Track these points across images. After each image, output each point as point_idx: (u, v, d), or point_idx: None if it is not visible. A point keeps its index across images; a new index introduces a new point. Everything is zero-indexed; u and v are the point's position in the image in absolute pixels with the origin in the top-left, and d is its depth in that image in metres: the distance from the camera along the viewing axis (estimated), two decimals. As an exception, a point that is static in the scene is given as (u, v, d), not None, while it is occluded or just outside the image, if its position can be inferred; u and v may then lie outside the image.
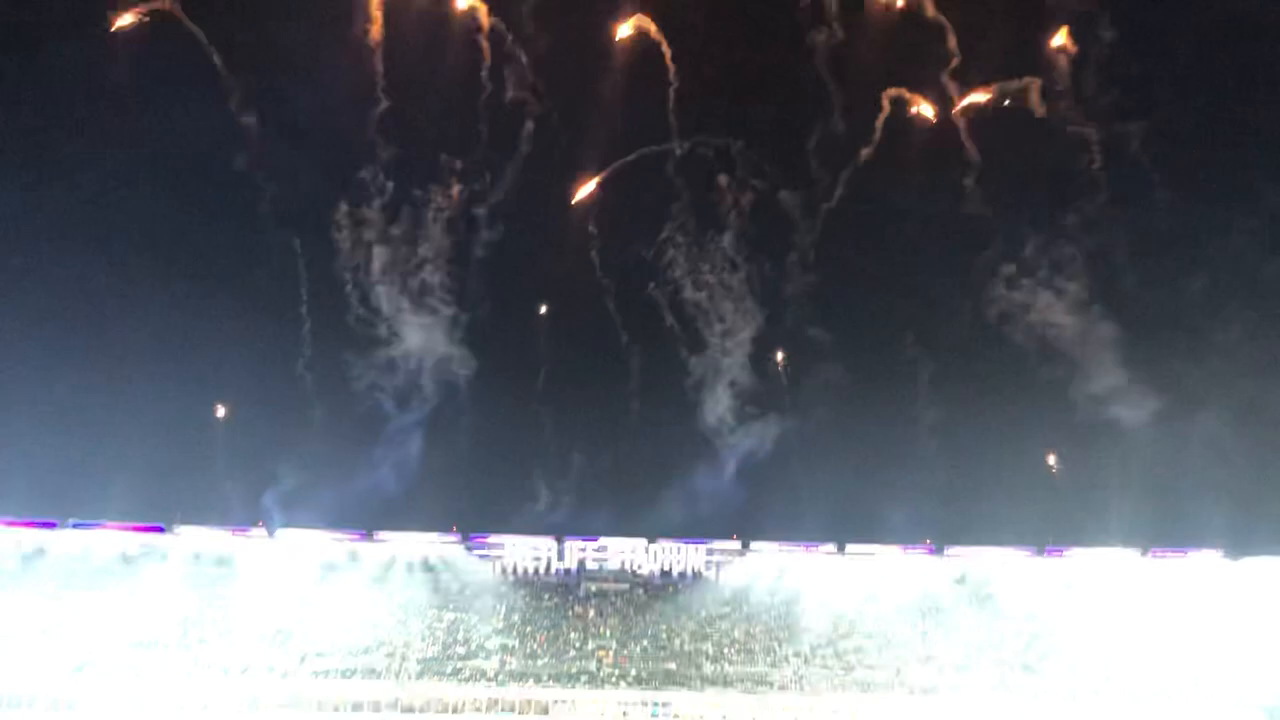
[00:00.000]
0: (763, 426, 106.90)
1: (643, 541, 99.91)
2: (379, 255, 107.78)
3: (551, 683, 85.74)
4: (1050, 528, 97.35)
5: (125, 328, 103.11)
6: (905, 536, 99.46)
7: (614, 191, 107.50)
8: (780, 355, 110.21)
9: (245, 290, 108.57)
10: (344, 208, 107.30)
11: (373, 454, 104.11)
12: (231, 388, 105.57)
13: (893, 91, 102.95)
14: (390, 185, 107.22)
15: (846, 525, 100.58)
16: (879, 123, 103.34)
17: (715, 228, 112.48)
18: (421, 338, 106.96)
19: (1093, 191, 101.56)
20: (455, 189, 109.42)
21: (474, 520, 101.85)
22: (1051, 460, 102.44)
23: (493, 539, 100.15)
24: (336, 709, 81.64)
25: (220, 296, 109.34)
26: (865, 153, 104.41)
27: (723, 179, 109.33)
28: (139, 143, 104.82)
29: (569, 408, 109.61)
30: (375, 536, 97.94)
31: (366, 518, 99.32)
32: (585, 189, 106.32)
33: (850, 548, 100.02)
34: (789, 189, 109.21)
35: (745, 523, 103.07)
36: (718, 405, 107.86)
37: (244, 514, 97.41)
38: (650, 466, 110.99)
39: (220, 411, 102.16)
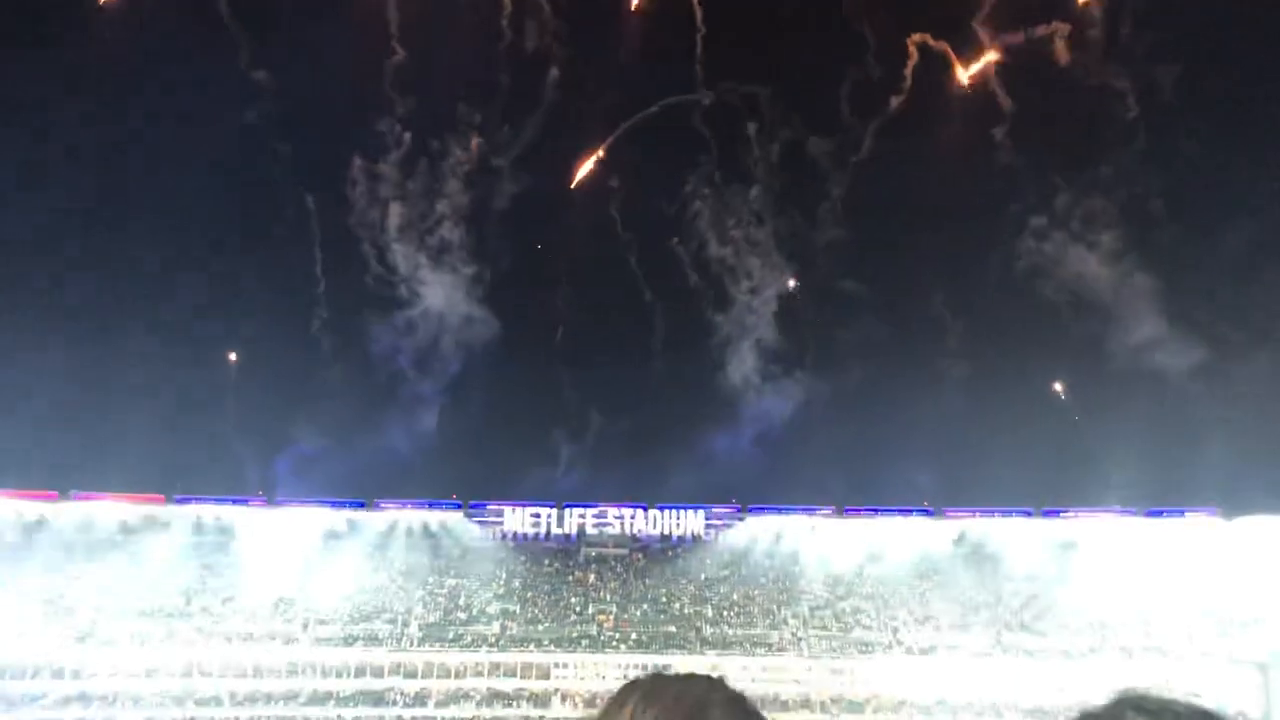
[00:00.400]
0: (787, 387, 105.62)
1: (642, 506, 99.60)
2: (395, 212, 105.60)
3: (552, 647, 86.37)
4: (1048, 489, 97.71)
5: (129, 295, 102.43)
6: (905, 499, 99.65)
7: (637, 144, 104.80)
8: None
9: (255, 251, 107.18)
10: (358, 163, 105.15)
11: (381, 419, 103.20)
12: (240, 353, 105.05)
13: (918, 37, 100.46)
14: (407, 138, 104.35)
15: (851, 488, 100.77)
16: (909, 70, 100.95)
17: (741, 180, 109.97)
18: (439, 296, 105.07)
19: (1128, 140, 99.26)
20: (474, 142, 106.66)
21: (486, 487, 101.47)
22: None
23: (493, 505, 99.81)
24: (339, 675, 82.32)
25: (229, 258, 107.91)
26: (896, 101, 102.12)
27: (751, 127, 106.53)
28: (146, 99, 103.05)
29: (588, 368, 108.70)
30: (377, 505, 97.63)
31: (372, 485, 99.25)
32: (585, 167, 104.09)
33: (849, 511, 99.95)
34: (818, 138, 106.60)
35: (766, 486, 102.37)
36: (742, 365, 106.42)
37: (246, 483, 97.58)
38: (670, 430, 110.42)
39: (226, 379, 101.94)
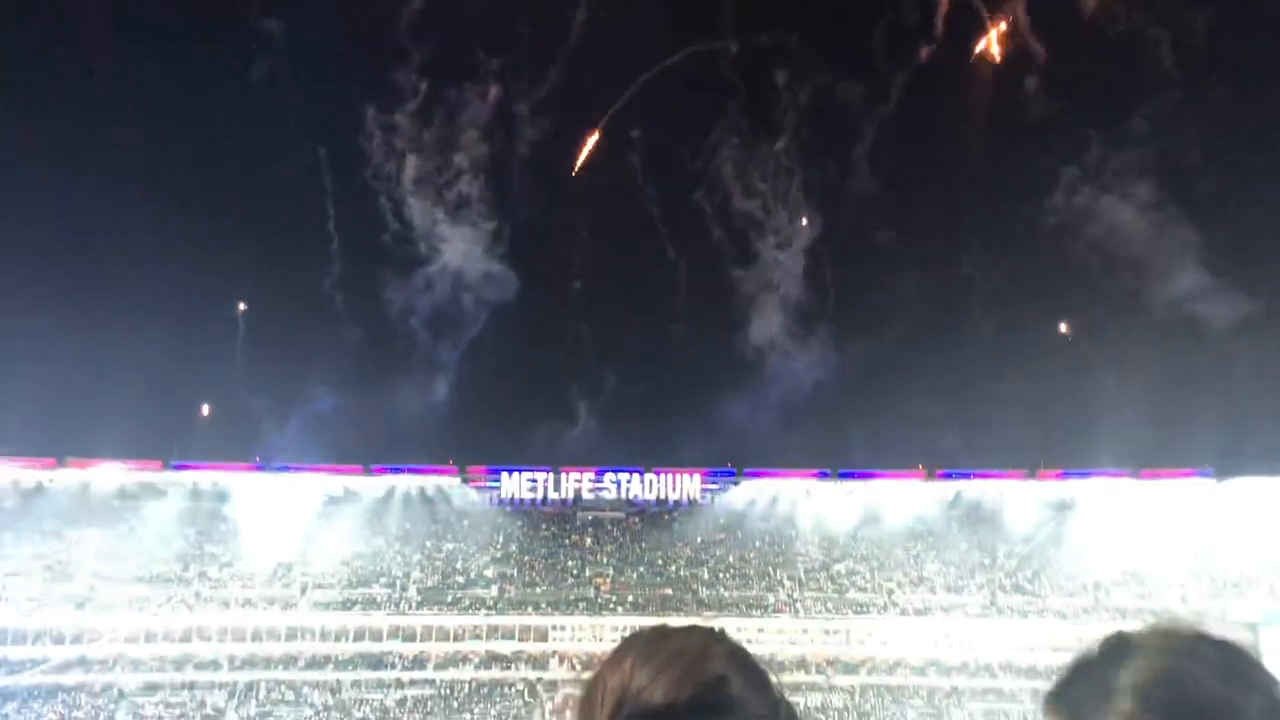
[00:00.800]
0: (810, 348, 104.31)
1: (639, 470, 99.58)
2: (411, 164, 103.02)
3: (550, 610, 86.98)
4: (1042, 451, 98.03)
5: (130, 254, 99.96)
6: (901, 462, 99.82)
7: (661, 92, 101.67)
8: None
9: (264, 207, 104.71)
10: (372, 113, 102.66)
11: (386, 381, 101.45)
12: (246, 313, 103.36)
13: None
14: (424, 87, 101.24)
15: (868, 453, 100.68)
16: (941, 18, 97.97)
17: (768, 130, 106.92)
18: (456, 252, 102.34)
19: (1164, 89, 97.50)
20: (493, 91, 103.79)
21: (494, 449, 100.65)
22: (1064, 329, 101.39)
23: (489, 470, 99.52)
24: (338, 639, 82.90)
25: (236, 214, 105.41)
26: (927, 51, 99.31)
27: (780, 76, 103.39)
28: (151, 49, 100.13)
29: (605, 327, 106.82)
30: (373, 470, 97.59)
31: (374, 449, 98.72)
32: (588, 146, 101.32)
33: (844, 474, 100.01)
34: (848, 87, 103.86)
35: (783, 450, 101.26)
36: (765, 324, 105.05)
37: (244, 448, 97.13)
38: (689, 391, 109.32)
39: (230, 342, 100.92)
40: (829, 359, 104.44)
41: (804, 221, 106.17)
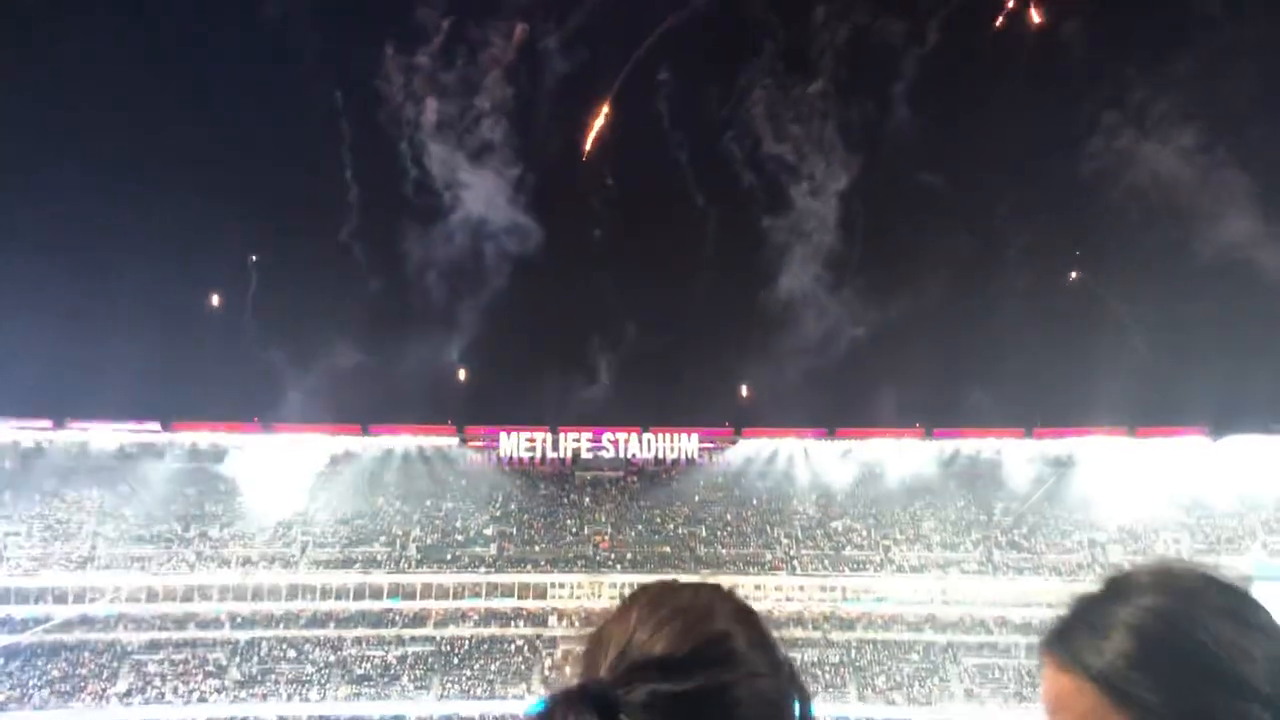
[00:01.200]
0: (822, 303, 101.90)
1: (637, 430, 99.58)
2: (431, 108, 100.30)
3: (549, 568, 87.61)
4: (1039, 409, 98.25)
5: (132, 206, 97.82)
6: (898, 420, 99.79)
7: (692, 31, 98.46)
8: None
9: (276, 154, 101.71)
10: (391, 53, 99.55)
11: (393, 337, 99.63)
12: (255, 268, 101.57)
13: None
14: (446, 25, 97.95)
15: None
16: None
17: (803, 71, 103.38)
18: (477, 199, 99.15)
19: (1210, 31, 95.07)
20: (518, 29, 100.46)
21: (508, 410, 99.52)
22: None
23: (487, 429, 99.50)
24: (339, 597, 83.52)
25: (246, 162, 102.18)
26: None
27: (819, 12, 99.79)
28: None
29: (626, 280, 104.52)
30: (372, 430, 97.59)
31: (377, 408, 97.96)
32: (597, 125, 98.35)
33: (841, 432, 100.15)
34: (887, 25, 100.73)
35: (788, 408, 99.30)
36: (795, 278, 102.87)
37: (243, 408, 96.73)
38: (712, 349, 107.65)
39: (236, 300, 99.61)
40: (835, 315, 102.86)
41: (820, 176, 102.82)
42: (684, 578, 2.11)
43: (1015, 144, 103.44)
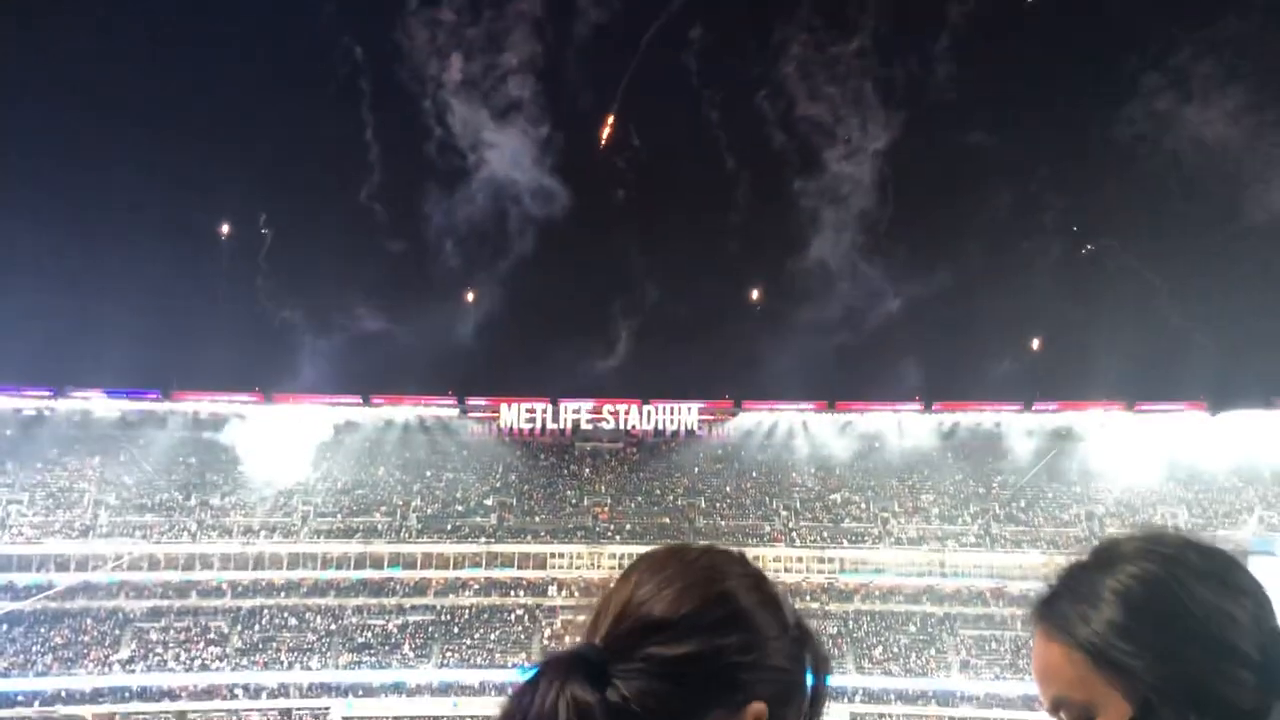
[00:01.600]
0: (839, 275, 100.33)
1: (637, 401, 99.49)
2: (455, 64, 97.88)
3: (548, 538, 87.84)
4: (1038, 383, 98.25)
5: (137, 167, 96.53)
6: (898, 393, 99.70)
7: None
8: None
9: (294, 113, 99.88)
10: (413, 5, 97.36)
11: (399, 304, 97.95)
12: (265, 230, 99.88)
13: None
14: None
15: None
16: None
17: (841, 27, 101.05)
18: (501, 160, 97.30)
19: None
20: None
21: (521, 381, 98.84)
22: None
23: (488, 400, 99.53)
24: (339, 567, 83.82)
25: (260, 123, 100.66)
26: None
27: None
28: None
29: (649, 245, 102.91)
30: (373, 401, 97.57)
31: (380, 377, 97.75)
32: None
33: (840, 405, 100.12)
34: None
35: (787, 380, 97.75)
36: (827, 243, 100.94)
37: (245, 378, 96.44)
38: (737, 317, 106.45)
39: (246, 265, 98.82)
40: (846, 288, 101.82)
41: (848, 143, 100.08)
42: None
43: (1031, 115, 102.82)
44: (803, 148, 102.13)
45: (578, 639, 1.86)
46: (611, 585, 1.93)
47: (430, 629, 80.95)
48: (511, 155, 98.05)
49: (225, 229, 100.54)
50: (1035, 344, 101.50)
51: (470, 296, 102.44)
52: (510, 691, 1.71)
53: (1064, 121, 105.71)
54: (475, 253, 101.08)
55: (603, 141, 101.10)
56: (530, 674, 1.70)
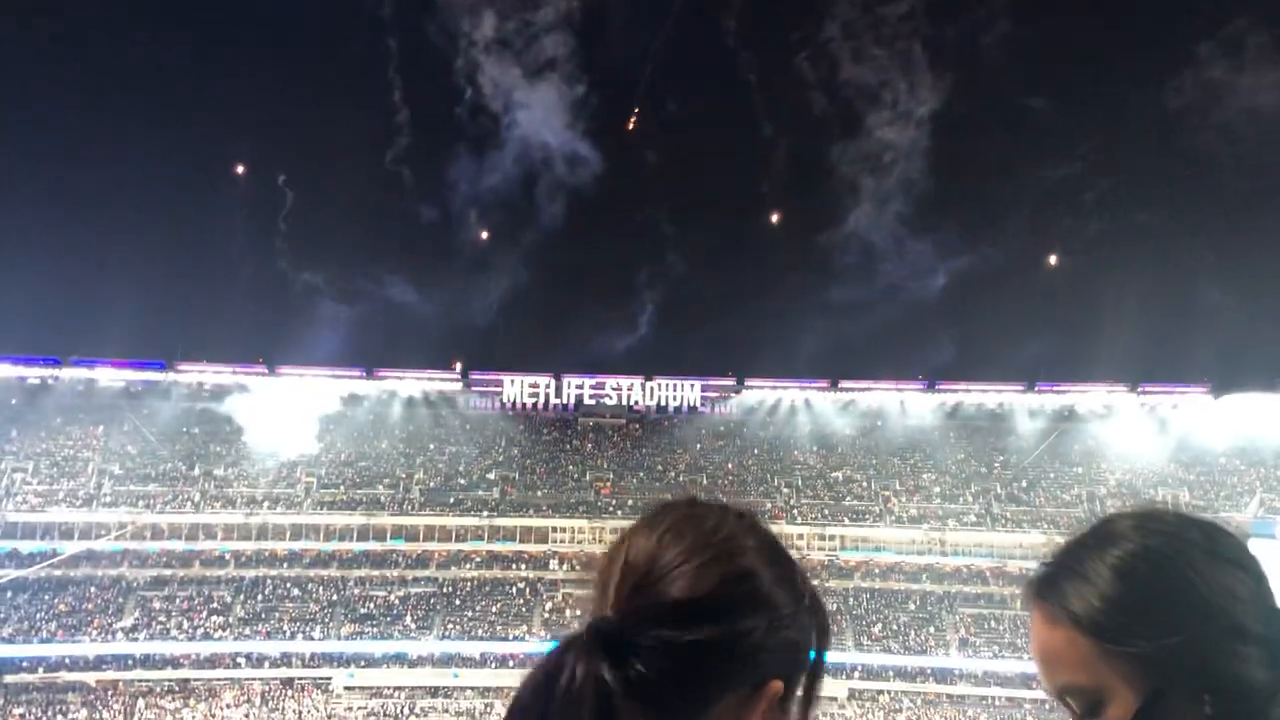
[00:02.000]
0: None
1: (640, 377, 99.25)
2: (488, 22, 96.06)
3: (550, 512, 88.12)
4: (1041, 364, 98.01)
5: (138, 135, 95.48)
6: (901, 372, 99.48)
7: None
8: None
9: (318, 75, 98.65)
10: None
11: (404, 274, 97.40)
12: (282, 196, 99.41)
13: None
14: None
15: (851, 360, 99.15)
16: None
17: None
18: (530, 122, 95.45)
19: None
20: None
21: (550, 355, 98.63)
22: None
23: (492, 374, 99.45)
24: (342, 539, 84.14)
25: (279, 84, 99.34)
26: None
27: None
28: None
29: (684, 215, 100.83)
30: (376, 373, 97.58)
31: (373, 353, 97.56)
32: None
33: (843, 383, 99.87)
34: None
35: (790, 357, 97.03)
36: (864, 217, 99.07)
37: (249, 348, 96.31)
38: (744, 295, 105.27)
39: (258, 234, 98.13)
40: (854, 266, 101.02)
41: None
42: None
43: (1031, 110, 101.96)
44: (843, 114, 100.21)
45: (588, 601, 1.85)
46: (626, 538, 1.93)
47: (432, 601, 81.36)
48: (543, 116, 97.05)
49: (235, 197, 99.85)
50: (1039, 324, 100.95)
51: (484, 268, 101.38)
52: (531, 666, 1.68)
53: (1083, 97, 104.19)
54: (497, 222, 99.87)
55: (631, 123, 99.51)
56: (550, 650, 1.69)
